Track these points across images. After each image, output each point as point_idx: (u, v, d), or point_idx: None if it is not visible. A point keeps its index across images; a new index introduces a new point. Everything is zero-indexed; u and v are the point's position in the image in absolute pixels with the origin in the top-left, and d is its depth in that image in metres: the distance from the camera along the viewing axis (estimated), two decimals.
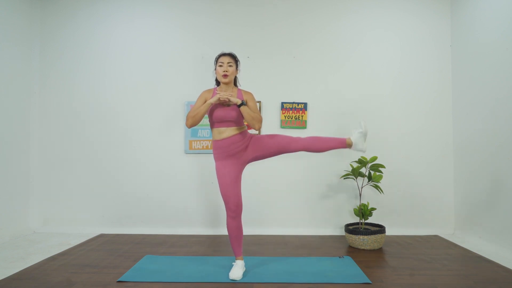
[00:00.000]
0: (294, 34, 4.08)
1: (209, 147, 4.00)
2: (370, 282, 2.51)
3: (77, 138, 4.08)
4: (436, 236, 3.88)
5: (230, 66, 2.65)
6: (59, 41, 4.12)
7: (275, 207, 4.00)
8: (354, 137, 2.68)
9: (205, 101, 2.65)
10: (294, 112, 4.01)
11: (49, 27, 4.13)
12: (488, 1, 3.48)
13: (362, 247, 3.37)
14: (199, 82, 4.06)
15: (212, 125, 2.67)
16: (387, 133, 4.03)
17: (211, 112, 2.63)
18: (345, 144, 2.68)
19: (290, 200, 4.02)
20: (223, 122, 2.60)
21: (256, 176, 3.95)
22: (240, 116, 2.61)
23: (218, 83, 2.79)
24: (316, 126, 4.03)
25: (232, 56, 2.71)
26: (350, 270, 2.75)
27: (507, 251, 3.10)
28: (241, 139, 2.63)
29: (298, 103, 4.02)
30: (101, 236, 3.82)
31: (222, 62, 2.65)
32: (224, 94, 2.56)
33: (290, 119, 4.01)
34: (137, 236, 3.83)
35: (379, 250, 3.35)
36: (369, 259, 3.08)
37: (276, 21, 4.09)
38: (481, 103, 3.54)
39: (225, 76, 2.63)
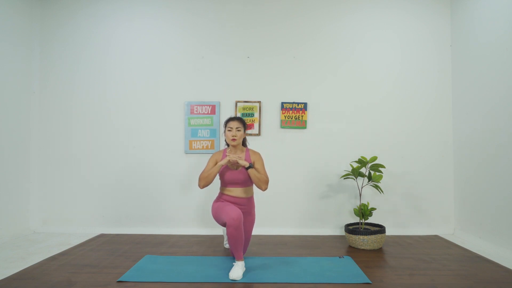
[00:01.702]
0: (294, 34, 4.08)
1: (209, 147, 4.00)
2: (370, 282, 2.51)
3: (77, 138, 4.08)
4: (436, 236, 3.88)
5: (238, 130, 2.94)
6: (59, 41, 4.12)
7: (275, 207, 4.00)
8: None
9: (216, 163, 2.95)
10: (294, 112, 4.01)
11: (49, 27, 4.13)
12: (488, 1, 3.48)
13: (362, 247, 3.37)
14: (199, 82, 4.07)
15: (222, 184, 3.00)
16: (387, 133, 4.04)
17: (221, 174, 2.95)
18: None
19: (290, 200, 4.02)
20: (232, 184, 2.93)
21: None
22: (248, 178, 2.92)
23: (227, 144, 3.07)
24: (316, 126, 4.03)
25: (241, 121, 2.99)
26: (350, 270, 2.75)
27: (507, 251, 3.10)
28: (245, 203, 2.97)
29: (298, 103, 4.02)
30: (101, 236, 3.82)
31: (231, 127, 2.94)
32: (233, 156, 2.82)
33: (290, 119, 4.01)
34: (137, 236, 3.83)
35: (379, 250, 3.35)
36: (369, 259, 3.08)
37: (276, 21, 4.09)
38: (481, 103, 3.54)
39: (234, 140, 2.91)
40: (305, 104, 4.02)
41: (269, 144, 3.99)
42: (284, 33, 4.08)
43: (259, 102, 4.01)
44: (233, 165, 2.92)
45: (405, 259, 3.06)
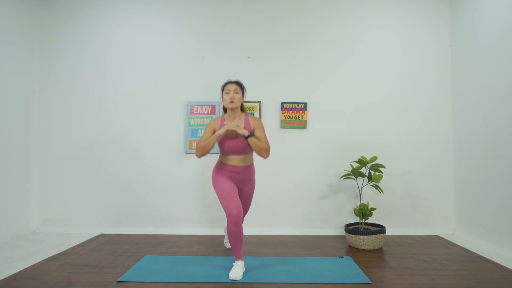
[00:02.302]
0: (294, 34, 4.08)
1: None
2: (370, 282, 2.51)
3: (77, 138, 4.08)
4: (436, 236, 3.88)
5: (236, 93, 2.76)
6: (59, 41, 4.12)
7: (275, 207, 4.00)
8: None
9: (214, 131, 2.79)
10: (294, 112, 4.01)
11: (49, 27, 4.13)
12: (488, 1, 3.48)
13: (362, 247, 3.37)
14: (199, 82, 4.07)
15: (221, 152, 2.84)
16: (387, 133, 4.04)
17: (220, 142, 2.79)
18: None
19: (290, 200, 4.01)
20: (232, 152, 2.78)
21: (256, 176, 3.94)
22: (248, 146, 2.76)
23: (225, 110, 2.90)
24: (316, 126, 4.03)
25: (238, 83, 2.83)
26: (350, 270, 2.75)
27: (507, 251, 3.10)
28: (245, 171, 2.85)
29: (298, 103, 4.02)
30: (101, 236, 3.82)
31: (229, 90, 2.76)
32: (232, 125, 2.65)
33: (290, 119, 4.01)
34: (137, 236, 3.83)
35: (379, 250, 3.35)
36: (369, 259, 3.08)
37: (276, 21, 4.09)
38: (481, 103, 3.54)
39: (231, 102, 2.73)
40: (305, 104, 4.02)
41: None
42: (284, 33, 4.08)
43: (259, 102, 4.01)
44: (232, 134, 2.71)
45: (405, 259, 3.06)
